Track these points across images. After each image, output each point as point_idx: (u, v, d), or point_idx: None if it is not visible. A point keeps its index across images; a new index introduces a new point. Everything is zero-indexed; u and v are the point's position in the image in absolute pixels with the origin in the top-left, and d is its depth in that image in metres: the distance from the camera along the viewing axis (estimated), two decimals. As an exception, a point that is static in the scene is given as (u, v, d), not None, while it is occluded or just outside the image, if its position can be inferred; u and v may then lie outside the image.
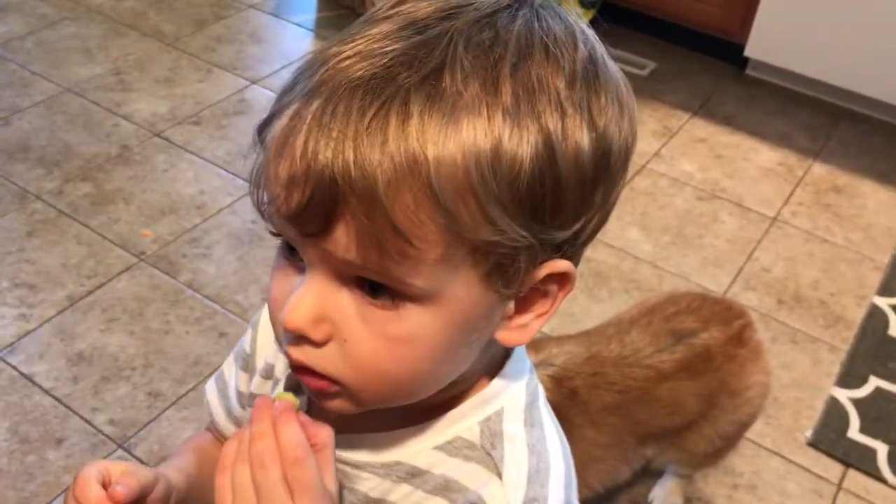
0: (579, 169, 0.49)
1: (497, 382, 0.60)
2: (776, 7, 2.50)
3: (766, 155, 2.43)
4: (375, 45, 0.48)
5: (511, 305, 0.53)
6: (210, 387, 0.78)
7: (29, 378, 1.64)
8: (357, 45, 0.48)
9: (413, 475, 0.59)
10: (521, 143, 0.47)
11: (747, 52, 2.64)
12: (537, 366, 1.27)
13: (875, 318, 1.94)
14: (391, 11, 0.51)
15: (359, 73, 0.47)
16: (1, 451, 1.51)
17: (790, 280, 2.03)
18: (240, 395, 0.74)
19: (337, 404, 0.54)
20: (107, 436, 1.55)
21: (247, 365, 0.73)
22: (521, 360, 0.63)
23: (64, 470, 1.49)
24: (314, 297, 0.50)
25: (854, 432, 1.69)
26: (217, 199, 2.09)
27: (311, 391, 0.55)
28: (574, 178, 0.49)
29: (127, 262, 1.90)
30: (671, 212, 2.20)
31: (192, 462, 0.71)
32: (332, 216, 0.47)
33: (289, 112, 0.49)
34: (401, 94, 0.46)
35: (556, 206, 0.49)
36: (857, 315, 1.95)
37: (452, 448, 0.58)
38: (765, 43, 2.59)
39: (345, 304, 0.51)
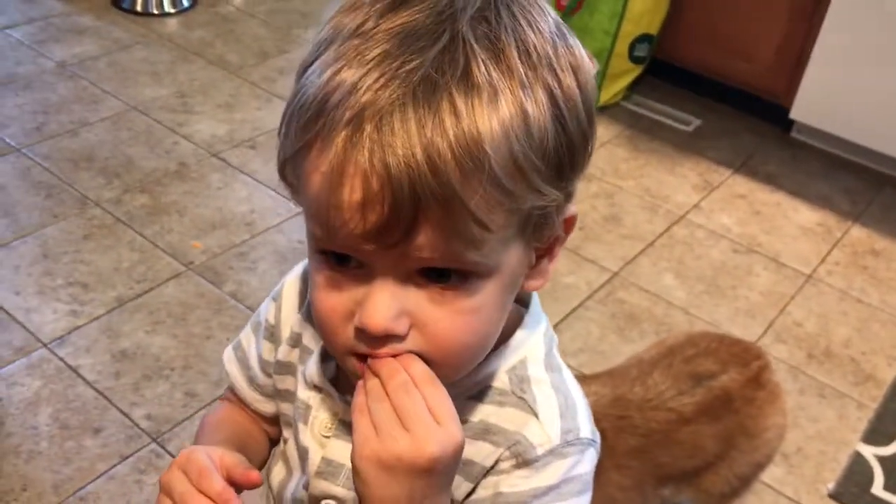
0: (579, 119, 0.55)
1: (519, 334, 0.65)
2: (823, 72, 2.54)
3: (805, 215, 2.45)
4: (395, 63, 0.50)
5: (532, 254, 0.60)
6: (229, 357, 0.80)
7: (74, 370, 1.71)
8: (369, 67, 0.50)
9: None
10: (539, 108, 0.52)
11: (792, 115, 2.67)
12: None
13: (906, 379, 1.93)
14: (378, 27, 0.52)
15: (397, 91, 0.50)
16: (41, 435, 1.58)
17: (822, 336, 2.04)
18: (264, 363, 0.77)
19: None
20: (142, 429, 1.61)
21: (271, 335, 0.76)
22: (537, 312, 0.68)
23: (99, 458, 1.55)
24: (389, 297, 0.54)
25: (878, 489, 1.68)
26: (266, 217, 2.17)
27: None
28: (577, 128, 0.55)
29: (175, 269, 1.98)
30: (706, 262, 2.23)
31: (234, 438, 0.75)
32: (414, 222, 0.50)
33: (332, 142, 0.50)
34: (446, 96, 0.50)
35: (572, 157, 0.55)
36: (888, 375, 1.95)
37: (484, 396, 0.64)
38: (810, 107, 2.63)
39: (415, 296, 0.55)
